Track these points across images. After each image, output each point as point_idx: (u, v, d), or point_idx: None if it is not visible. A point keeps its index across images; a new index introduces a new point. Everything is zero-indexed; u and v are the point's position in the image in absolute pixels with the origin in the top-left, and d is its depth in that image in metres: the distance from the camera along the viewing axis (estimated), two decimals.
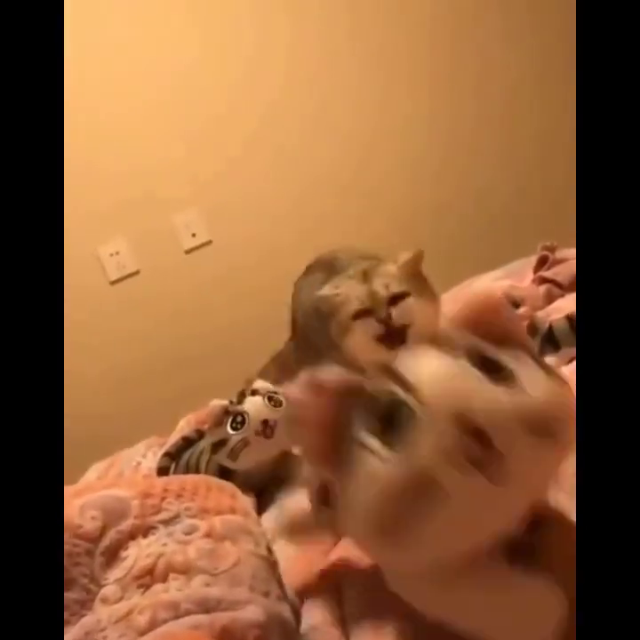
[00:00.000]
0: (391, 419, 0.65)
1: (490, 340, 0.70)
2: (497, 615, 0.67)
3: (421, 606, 0.73)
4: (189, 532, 0.82)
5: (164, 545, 0.80)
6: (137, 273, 3.05)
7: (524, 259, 2.31)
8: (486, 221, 3.08)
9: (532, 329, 1.45)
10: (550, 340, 1.44)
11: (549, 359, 1.44)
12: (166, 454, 1.72)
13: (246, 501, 0.97)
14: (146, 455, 2.11)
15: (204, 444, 1.60)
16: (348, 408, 0.69)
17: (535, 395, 0.65)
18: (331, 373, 0.70)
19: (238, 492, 0.98)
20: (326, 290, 1.44)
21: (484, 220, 3.08)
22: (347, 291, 1.40)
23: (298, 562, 1.17)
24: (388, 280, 1.39)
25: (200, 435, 1.71)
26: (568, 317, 1.44)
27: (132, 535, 0.81)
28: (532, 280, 1.96)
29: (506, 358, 0.68)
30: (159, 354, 3.04)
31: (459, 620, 0.69)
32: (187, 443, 1.72)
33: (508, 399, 0.63)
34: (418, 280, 1.43)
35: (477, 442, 0.60)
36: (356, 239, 2.95)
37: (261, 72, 3.08)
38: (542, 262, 1.99)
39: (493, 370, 0.65)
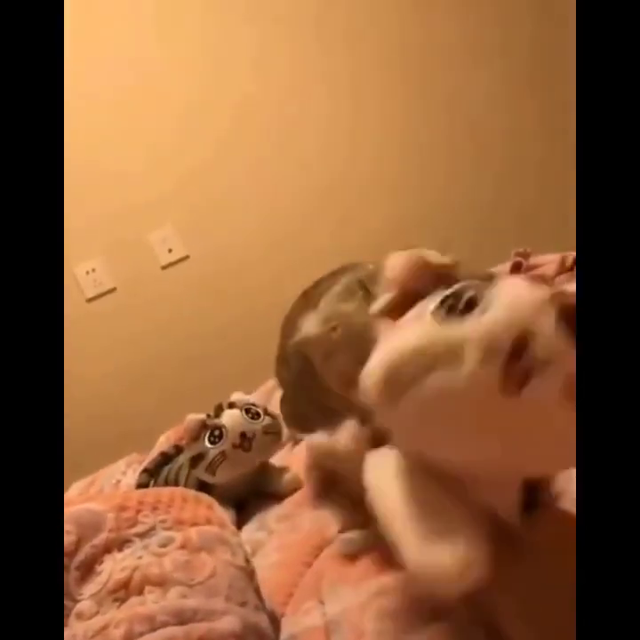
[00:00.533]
0: (457, 304, 0.64)
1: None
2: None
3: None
4: (165, 543, 0.82)
5: (140, 558, 0.79)
6: (114, 290, 3.04)
7: (499, 266, 2.34)
8: (461, 233, 3.09)
9: None
10: None
11: None
12: (145, 471, 1.71)
13: (223, 512, 0.97)
14: (126, 472, 2.10)
15: (183, 459, 1.60)
16: (433, 286, 0.71)
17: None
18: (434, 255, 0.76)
19: (215, 503, 0.98)
20: (312, 323, 1.00)
21: (459, 232, 3.10)
22: (348, 319, 0.95)
23: (279, 571, 1.17)
24: None
25: (179, 450, 1.70)
26: None
27: (108, 549, 0.80)
28: None
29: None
30: (137, 370, 3.03)
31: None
32: (165, 458, 1.71)
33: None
34: None
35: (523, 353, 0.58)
36: (330, 253, 3.00)
37: (232, 86, 3.08)
38: (516, 268, 2.01)
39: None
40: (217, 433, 1.48)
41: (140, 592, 0.75)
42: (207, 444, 1.48)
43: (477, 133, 3.16)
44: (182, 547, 0.82)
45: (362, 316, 0.87)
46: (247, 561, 0.90)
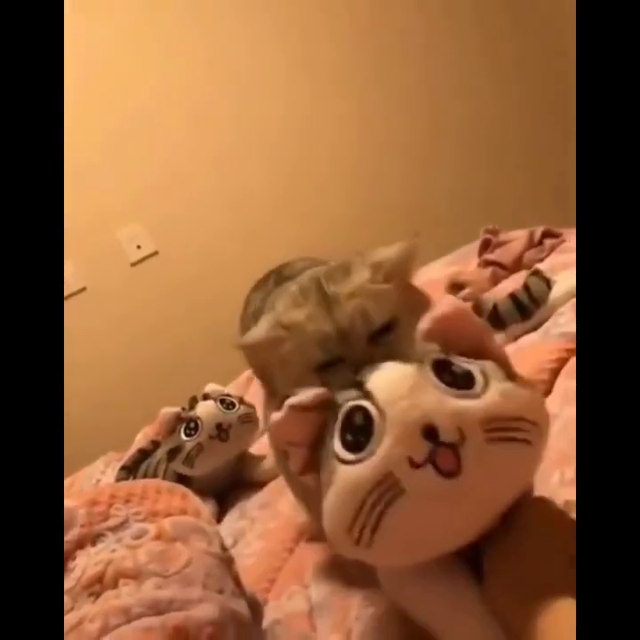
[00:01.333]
0: (354, 424, 0.69)
1: (460, 351, 0.73)
2: (441, 626, 0.71)
3: (388, 594, 0.77)
4: (139, 536, 0.81)
5: (113, 551, 0.78)
6: (83, 290, 3.01)
7: (468, 244, 2.34)
8: (428, 217, 3.10)
9: (477, 310, 1.46)
10: (496, 320, 1.45)
11: (497, 337, 1.45)
12: (123, 468, 1.70)
13: (198, 501, 0.96)
14: (105, 472, 2.09)
15: (160, 453, 1.59)
16: (324, 421, 0.73)
17: (493, 398, 0.67)
18: (306, 393, 0.73)
19: (189, 493, 0.97)
20: (263, 328, 0.90)
21: (425, 216, 3.10)
22: (300, 327, 0.86)
23: (262, 558, 1.16)
24: (362, 301, 0.86)
25: (156, 445, 1.69)
26: (511, 296, 1.46)
27: (80, 544, 0.79)
28: (478, 264, 1.97)
29: (474, 368, 0.70)
30: (109, 368, 3.01)
31: (413, 613, 0.73)
32: (143, 454, 1.70)
33: (463, 402, 0.66)
34: (405, 288, 0.91)
35: (431, 441, 0.64)
36: (299, 244, 2.99)
37: (191, 84, 3.06)
38: (485, 246, 2.01)
39: (458, 380, 0.69)
40: (192, 425, 1.47)
41: (115, 585, 0.74)
42: (183, 436, 1.47)
43: (437, 119, 3.17)
44: (156, 538, 0.81)
45: (314, 323, 0.85)
46: (224, 549, 0.89)
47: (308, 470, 0.75)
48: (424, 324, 0.74)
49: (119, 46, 3.02)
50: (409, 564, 0.71)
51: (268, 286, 1.13)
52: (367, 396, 0.69)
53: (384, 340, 0.84)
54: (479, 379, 0.69)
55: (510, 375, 0.71)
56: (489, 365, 0.72)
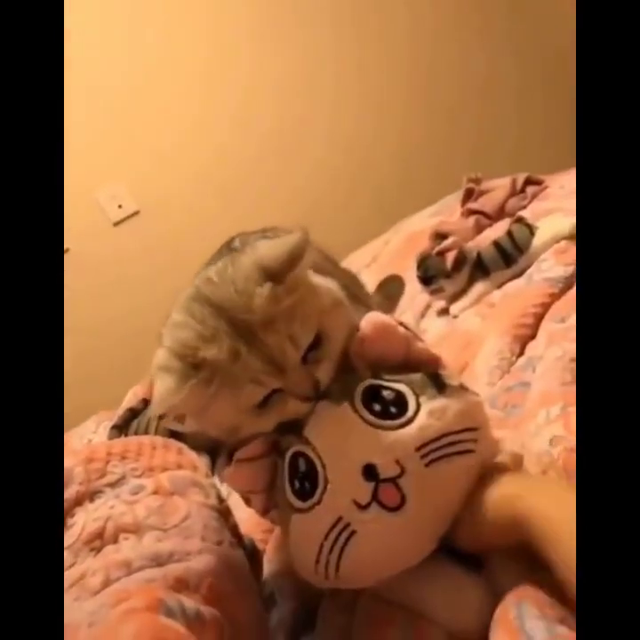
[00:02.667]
0: (299, 471, 0.73)
1: (390, 367, 0.76)
2: (428, 600, 0.73)
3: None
4: (136, 491, 0.82)
5: (112, 507, 0.79)
6: (66, 251, 2.98)
7: (451, 194, 2.34)
8: (418, 169, 3.10)
9: (461, 258, 1.47)
10: (480, 267, 1.46)
11: (480, 285, 1.46)
12: (114, 427, 1.71)
13: (193, 455, 0.97)
14: (96, 431, 2.09)
15: (151, 411, 1.59)
16: (274, 464, 0.77)
17: (424, 421, 0.70)
18: (250, 445, 0.76)
19: (185, 448, 0.98)
20: (170, 380, 0.75)
21: (416, 169, 3.10)
22: (223, 368, 0.73)
23: None
24: (285, 326, 0.74)
25: (146, 404, 1.70)
26: (495, 243, 1.46)
27: (78, 501, 0.80)
28: (461, 213, 1.97)
29: (404, 388, 0.73)
30: (96, 329, 3.00)
31: (400, 599, 0.75)
32: (133, 413, 1.71)
33: (396, 433, 0.69)
34: (309, 290, 0.79)
35: (372, 480, 0.68)
36: (283, 201, 2.97)
37: (182, 43, 3.00)
38: (468, 195, 2.01)
39: (389, 406, 0.72)
40: None
41: (115, 540, 0.75)
42: None
43: (430, 74, 3.15)
44: (154, 492, 0.82)
45: (240, 361, 0.72)
46: (221, 500, 0.91)
47: (269, 510, 0.79)
48: (353, 347, 0.77)
49: (106, 3, 2.95)
50: (378, 583, 0.75)
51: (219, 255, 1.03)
52: (306, 442, 0.72)
53: (314, 356, 0.76)
54: (411, 400, 0.72)
55: (440, 384, 0.74)
56: (418, 380, 0.75)
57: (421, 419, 0.70)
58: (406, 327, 0.81)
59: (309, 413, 0.74)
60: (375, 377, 0.75)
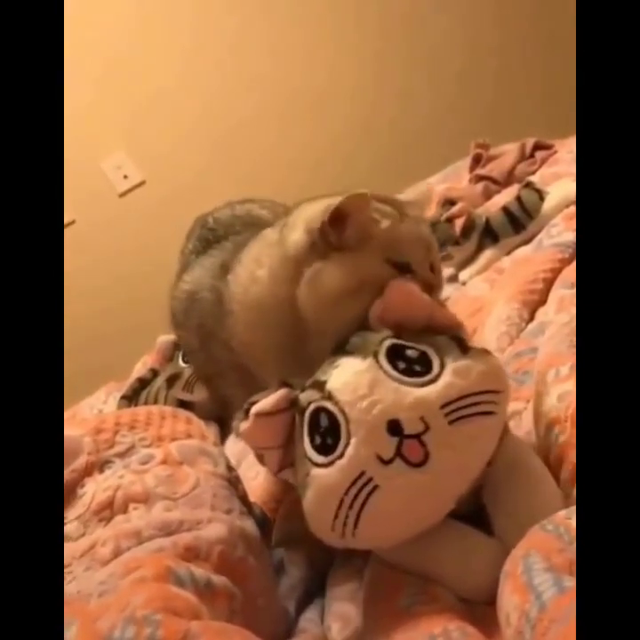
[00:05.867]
0: (320, 426, 0.72)
1: (413, 332, 0.76)
2: (437, 563, 0.73)
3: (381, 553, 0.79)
4: (146, 461, 0.82)
5: (121, 477, 0.79)
6: (73, 222, 2.98)
7: (459, 161, 2.32)
8: (425, 135, 3.07)
9: (470, 224, 1.45)
10: (489, 233, 1.45)
11: (489, 251, 1.45)
12: (123, 397, 1.71)
13: (202, 425, 0.97)
14: (106, 401, 2.10)
15: (160, 381, 1.60)
16: (292, 421, 0.76)
17: (449, 380, 0.70)
18: (268, 398, 0.75)
19: (194, 417, 0.98)
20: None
21: (422, 134, 3.07)
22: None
23: (266, 481, 1.18)
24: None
25: (155, 374, 1.70)
26: (504, 209, 1.45)
27: (88, 472, 0.80)
28: (469, 179, 1.96)
29: (426, 348, 0.73)
30: (103, 299, 3.00)
31: (409, 565, 0.74)
32: (142, 383, 1.71)
33: (421, 390, 0.69)
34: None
35: (396, 435, 0.68)
36: (291, 168, 2.95)
37: (183, 11, 2.98)
38: (477, 161, 1.99)
39: (413, 365, 0.71)
40: (187, 354, 1.48)
41: (125, 510, 0.75)
42: (181, 363, 1.48)
43: (436, 41, 3.10)
44: (163, 462, 0.82)
45: None
46: (230, 469, 0.91)
47: (283, 468, 0.78)
48: (374, 311, 0.78)
49: None
50: (395, 544, 0.74)
51: (194, 234, 1.23)
52: (329, 397, 0.72)
53: None
54: (434, 360, 0.72)
55: (464, 347, 0.74)
56: (442, 342, 0.75)
57: (446, 377, 0.70)
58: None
59: (332, 369, 0.74)
60: (398, 338, 0.75)
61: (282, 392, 0.76)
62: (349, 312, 0.80)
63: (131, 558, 0.67)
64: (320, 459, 0.71)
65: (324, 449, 0.71)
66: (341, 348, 0.77)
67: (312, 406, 0.73)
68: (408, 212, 0.88)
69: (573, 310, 0.97)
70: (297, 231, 0.87)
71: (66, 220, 2.96)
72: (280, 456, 0.78)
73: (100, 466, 0.81)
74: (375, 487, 0.68)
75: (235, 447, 1.35)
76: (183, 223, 1.37)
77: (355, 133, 3.09)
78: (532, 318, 1.15)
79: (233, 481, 0.88)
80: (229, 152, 3.04)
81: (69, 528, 0.74)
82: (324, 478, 0.71)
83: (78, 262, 2.94)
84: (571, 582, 0.52)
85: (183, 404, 1.44)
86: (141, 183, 3.02)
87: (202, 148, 3.03)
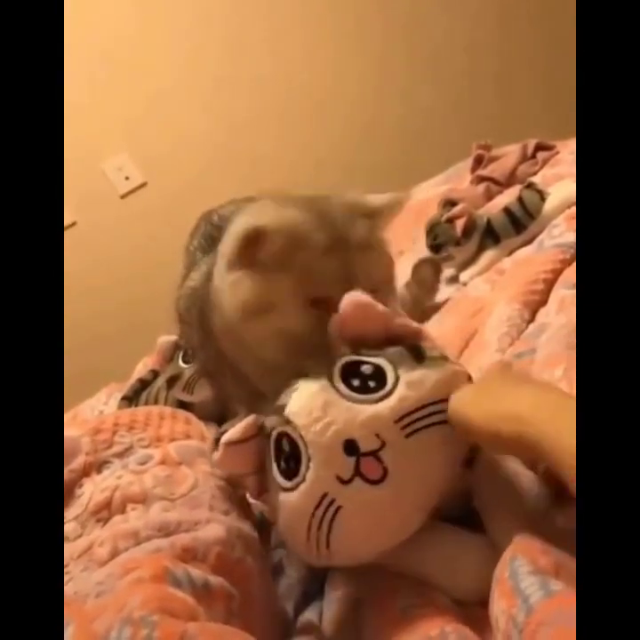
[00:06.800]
0: (283, 451, 0.74)
1: (371, 343, 0.77)
2: (428, 569, 0.73)
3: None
4: (144, 461, 0.82)
5: (119, 477, 0.79)
6: (74, 224, 2.98)
7: (461, 162, 2.32)
8: (428, 135, 3.07)
9: (471, 225, 1.45)
10: (490, 234, 1.45)
11: (491, 252, 1.45)
12: (124, 398, 1.71)
13: (201, 425, 0.97)
14: (107, 403, 2.10)
15: (160, 381, 1.59)
16: (263, 447, 0.77)
17: (403, 393, 0.70)
18: (236, 427, 0.77)
19: (192, 417, 0.98)
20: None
21: (425, 135, 3.07)
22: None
23: None
24: (369, 257, 0.87)
25: (155, 374, 1.70)
26: (505, 209, 1.45)
27: (86, 472, 0.80)
28: (471, 180, 1.95)
29: (382, 362, 0.74)
30: (105, 301, 3.00)
31: (400, 568, 0.75)
32: (143, 384, 1.71)
33: (374, 407, 0.70)
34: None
35: (353, 455, 0.69)
36: (292, 170, 2.95)
37: (183, 11, 2.97)
38: (478, 161, 1.99)
39: (368, 381, 0.72)
40: (190, 352, 1.47)
41: (123, 510, 0.75)
42: (181, 363, 1.47)
43: (438, 42, 3.10)
44: (162, 462, 0.82)
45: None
46: None
47: (263, 493, 0.79)
48: (332, 327, 0.79)
49: None
50: (374, 558, 0.74)
51: (199, 231, 1.26)
52: (287, 422, 0.73)
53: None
54: (389, 373, 0.72)
55: (420, 356, 0.74)
56: (397, 354, 0.75)
57: (400, 391, 0.71)
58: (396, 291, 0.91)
59: (290, 393, 0.75)
60: (355, 354, 0.76)
61: (249, 419, 0.77)
62: (260, 329, 0.83)
63: (128, 559, 0.67)
64: (286, 483, 0.73)
65: (288, 473, 0.72)
66: (301, 372, 0.77)
67: (274, 432, 0.75)
68: (356, 233, 0.86)
69: (573, 311, 0.97)
70: (229, 239, 0.89)
71: (67, 221, 2.96)
72: (256, 481, 0.79)
73: (99, 466, 0.81)
74: (339, 508, 0.69)
75: None
76: (185, 224, 1.38)
77: (356, 134, 3.08)
78: (533, 319, 1.14)
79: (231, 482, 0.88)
80: (231, 153, 3.03)
81: (67, 528, 0.74)
82: (290, 502, 0.72)
83: (79, 263, 2.94)
84: (557, 586, 0.53)
85: (183, 405, 1.43)
86: (143, 185, 3.02)
87: (203, 150, 3.02)
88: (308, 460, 0.70)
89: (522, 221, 1.41)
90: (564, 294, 1.09)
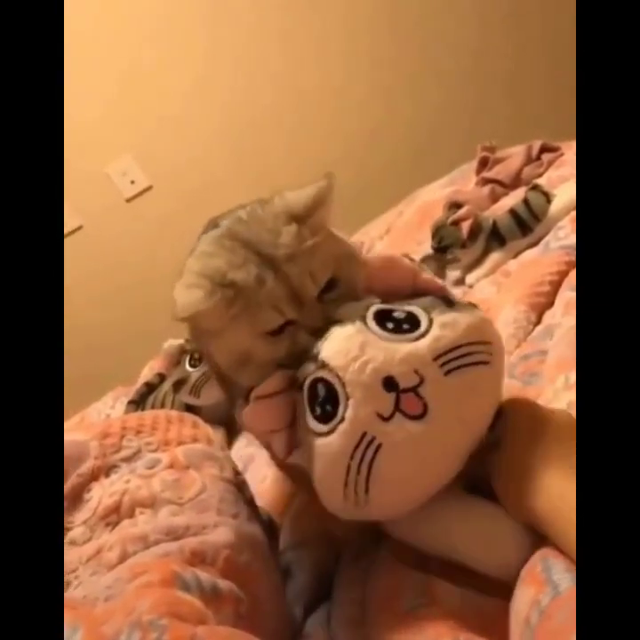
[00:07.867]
0: (319, 397, 0.72)
1: (399, 296, 0.79)
2: (460, 540, 0.72)
3: (396, 535, 0.79)
4: (152, 465, 0.82)
5: (128, 481, 0.79)
6: (79, 228, 2.98)
7: (466, 164, 2.31)
8: (436, 137, 3.06)
9: (477, 227, 1.45)
10: (496, 236, 1.45)
11: (496, 254, 1.45)
12: (131, 402, 1.72)
13: (209, 429, 0.97)
14: (114, 406, 2.11)
15: (166, 385, 1.60)
16: (293, 400, 0.76)
17: (438, 333, 0.71)
18: (269, 380, 0.76)
19: (200, 421, 0.98)
20: (199, 293, 0.80)
21: (433, 136, 3.06)
22: (249, 289, 0.79)
23: (273, 485, 1.18)
24: (306, 261, 0.81)
25: (162, 378, 1.71)
26: (511, 211, 1.45)
27: (94, 476, 0.80)
28: (476, 182, 1.95)
29: (414, 308, 0.75)
30: (112, 304, 3.01)
31: (428, 546, 0.75)
32: (149, 388, 1.72)
33: (411, 345, 0.70)
34: (330, 237, 0.86)
35: (392, 391, 0.68)
36: (297, 174, 2.94)
37: (187, 9, 2.97)
38: (483, 163, 1.98)
39: (402, 324, 0.73)
40: (197, 356, 1.48)
41: (131, 515, 0.75)
42: (188, 367, 1.48)
43: (446, 44, 3.08)
44: (170, 466, 0.82)
45: (264, 286, 0.79)
46: (237, 473, 0.91)
47: (292, 450, 0.78)
48: (361, 283, 0.80)
49: None
50: (410, 509, 0.73)
51: None
52: (323, 366, 0.72)
53: (329, 297, 0.82)
54: (422, 317, 0.73)
55: (449, 302, 0.75)
56: (428, 301, 0.76)
57: (435, 331, 0.71)
58: (411, 259, 0.86)
59: (323, 341, 0.75)
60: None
61: (280, 373, 0.77)
62: (247, 374, 0.81)
63: (137, 563, 0.67)
64: (322, 427, 0.71)
65: (325, 417, 0.71)
66: (330, 320, 0.77)
67: (308, 379, 0.74)
68: (282, 245, 0.81)
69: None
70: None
71: (72, 225, 2.96)
72: (286, 438, 0.78)
73: (107, 470, 0.81)
74: (379, 446, 0.68)
75: (242, 451, 1.35)
76: (191, 228, 1.36)
77: (365, 137, 3.07)
78: (539, 321, 1.14)
79: (239, 485, 0.88)
80: (237, 157, 3.03)
81: (76, 533, 0.74)
82: (328, 446, 0.71)
83: (85, 267, 2.96)
84: None
85: (190, 409, 1.44)
86: (148, 188, 3.02)
87: (209, 153, 3.02)
88: (347, 399, 0.69)
89: (527, 223, 1.41)
90: (570, 296, 1.09)
